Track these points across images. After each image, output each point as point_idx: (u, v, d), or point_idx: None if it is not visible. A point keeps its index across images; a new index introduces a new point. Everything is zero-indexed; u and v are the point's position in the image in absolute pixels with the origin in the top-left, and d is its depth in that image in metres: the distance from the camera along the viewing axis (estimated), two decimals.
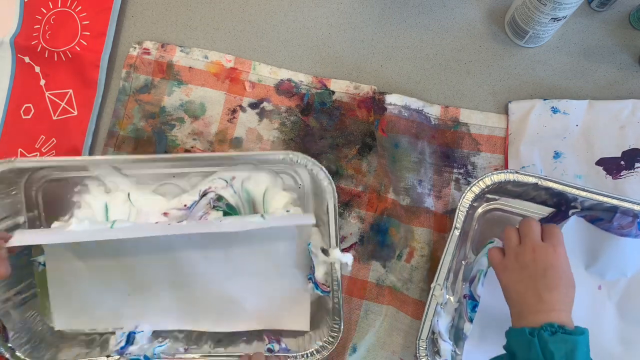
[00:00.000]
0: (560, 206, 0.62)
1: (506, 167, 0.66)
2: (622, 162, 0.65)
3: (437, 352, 0.60)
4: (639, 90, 0.68)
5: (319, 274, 0.61)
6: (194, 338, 0.63)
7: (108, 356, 0.60)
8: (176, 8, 0.70)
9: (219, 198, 0.61)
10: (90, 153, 0.67)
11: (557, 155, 0.66)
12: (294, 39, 0.70)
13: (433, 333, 0.59)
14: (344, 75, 0.69)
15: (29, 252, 0.62)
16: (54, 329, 0.63)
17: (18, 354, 0.59)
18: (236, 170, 0.61)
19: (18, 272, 0.60)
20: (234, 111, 0.68)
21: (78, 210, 0.62)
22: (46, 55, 0.67)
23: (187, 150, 0.67)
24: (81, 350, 0.62)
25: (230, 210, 0.62)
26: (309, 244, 0.61)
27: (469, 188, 0.59)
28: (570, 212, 0.60)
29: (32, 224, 0.63)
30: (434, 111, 0.68)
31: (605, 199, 0.58)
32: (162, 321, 0.63)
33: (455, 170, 0.67)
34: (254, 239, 0.61)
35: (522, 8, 0.63)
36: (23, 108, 0.67)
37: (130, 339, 0.60)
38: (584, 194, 0.58)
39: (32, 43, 0.67)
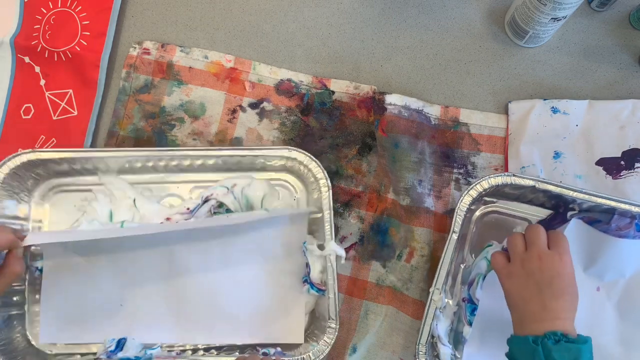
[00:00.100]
0: (558, 208, 0.62)
1: (506, 167, 0.66)
2: (622, 162, 0.65)
3: (437, 356, 0.60)
4: (639, 90, 0.68)
5: (315, 272, 0.61)
6: (188, 346, 0.63)
7: (96, 358, 0.59)
8: (176, 8, 0.70)
9: (220, 205, 0.63)
10: None
11: (557, 155, 0.66)
12: (294, 39, 0.70)
13: (432, 337, 0.59)
14: (344, 75, 0.69)
15: (25, 259, 0.62)
16: (37, 348, 0.61)
17: None
18: (237, 179, 0.64)
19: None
20: (234, 111, 0.68)
21: (84, 216, 0.63)
22: (46, 55, 0.67)
23: None
24: None
25: None
26: (304, 243, 0.62)
27: (466, 192, 0.60)
28: (569, 214, 0.60)
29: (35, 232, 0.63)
30: (434, 111, 0.68)
31: (603, 201, 0.58)
32: (154, 334, 0.62)
33: (455, 170, 0.67)
34: (252, 243, 0.62)
35: (522, 8, 0.63)
36: (23, 108, 0.67)
37: (120, 344, 0.60)
38: (581, 196, 0.58)
39: (32, 43, 0.67)
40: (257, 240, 0.63)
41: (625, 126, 0.66)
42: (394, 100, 0.66)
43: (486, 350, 0.59)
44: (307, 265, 0.61)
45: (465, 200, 0.59)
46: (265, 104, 0.68)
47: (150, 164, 0.63)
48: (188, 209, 0.63)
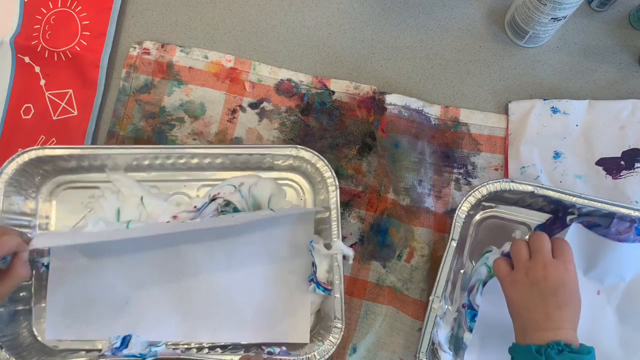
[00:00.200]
0: (558, 212, 0.62)
1: (506, 167, 0.66)
2: (622, 162, 0.65)
3: None
4: (639, 90, 0.68)
5: (321, 271, 0.61)
6: (193, 344, 0.63)
7: (100, 355, 0.59)
8: (176, 8, 0.70)
9: (227, 203, 0.63)
10: None
11: (557, 155, 0.66)
12: (294, 39, 0.70)
13: (433, 344, 0.59)
14: (344, 75, 0.69)
15: (32, 258, 0.62)
16: (43, 344, 0.62)
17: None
18: (244, 177, 0.64)
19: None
20: (234, 111, 0.68)
21: (91, 214, 0.63)
22: (46, 55, 0.67)
23: None
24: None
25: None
26: (311, 241, 0.62)
27: (464, 198, 0.60)
28: (568, 218, 0.60)
29: (42, 229, 0.64)
30: (434, 111, 0.68)
31: (602, 205, 0.58)
32: (159, 332, 0.62)
33: (455, 170, 0.67)
34: (258, 242, 0.63)
35: (522, 8, 0.63)
36: (23, 108, 0.67)
37: (125, 341, 0.60)
38: (580, 200, 0.58)
39: (32, 43, 0.67)
40: (264, 239, 0.63)
41: (625, 126, 0.66)
42: (394, 100, 0.66)
43: (487, 356, 0.59)
44: (314, 264, 0.61)
45: (464, 208, 0.60)
46: (265, 104, 0.68)
47: (157, 161, 0.63)
48: (195, 207, 0.63)
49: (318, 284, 0.61)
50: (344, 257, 0.60)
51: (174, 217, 0.63)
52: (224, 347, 0.62)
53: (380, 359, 0.63)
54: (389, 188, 0.65)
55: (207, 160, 0.63)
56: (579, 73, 0.69)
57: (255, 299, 0.62)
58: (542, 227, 0.62)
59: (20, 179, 0.61)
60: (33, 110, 0.67)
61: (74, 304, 0.61)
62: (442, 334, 0.60)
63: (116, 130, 0.67)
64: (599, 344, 0.59)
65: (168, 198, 0.65)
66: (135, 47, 0.68)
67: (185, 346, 0.62)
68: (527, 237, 0.62)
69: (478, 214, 0.64)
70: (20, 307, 0.61)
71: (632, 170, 0.65)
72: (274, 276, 0.63)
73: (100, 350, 0.61)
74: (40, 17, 0.68)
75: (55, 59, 0.67)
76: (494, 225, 0.64)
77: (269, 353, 0.60)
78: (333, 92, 0.68)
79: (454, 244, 0.59)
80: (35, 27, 0.68)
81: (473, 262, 0.63)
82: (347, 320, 0.63)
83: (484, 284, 0.59)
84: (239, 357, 0.57)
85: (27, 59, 0.68)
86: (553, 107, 0.67)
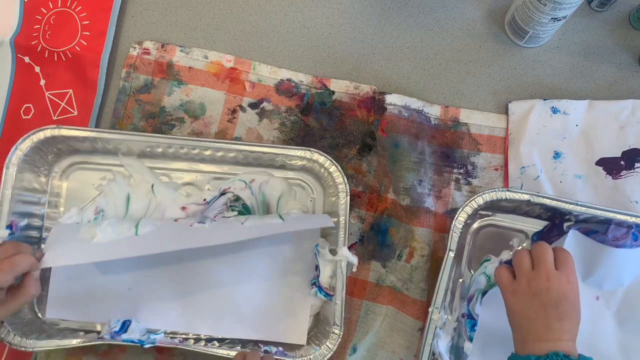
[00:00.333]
0: (555, 220, 0.62)
1: (506, 167, 0.66)
2: (622, 162, 0.65)
3: None
4: (639, 90, 0.68)
5: (324, 276, 0.61)
6: (191, 335, 0.63)
7: (99, 338, 0.59)
8: (176, 8, 0.70)
9: (237, 199, 0.63)
10: None
11: (557, 155, 0.66)
12: (294, 39, 0.70)
13: (433, 354, 0.59)
14: (344, 75, 0.69)
15: (40, 234, 0.63)
16: (43, 321, 0.62)
17: (8, 339, 0.58)
18: (256, 174, 0.64)
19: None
20: (233, 111, 0.68)
21: (100, 198, 0.64)
22: (46, 55, 0.67)
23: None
24: (72, 340, 0.61)
25: (245, 211, 0.63)
26: (316, 245, 0.62)
27: (461, 208, 0.60)
28: (565, 225, 0.60)
29: (51, 207, 0.64)
30: (434, 111, 0.68)
31: (599, 212, 0.58)
32: (158, 321, 0.62)
33: (455, 170, 0.67)
34: (263, 241, 0.62)
35: (522, 8, 0.63)
36: (23, 108, 0.67)
37: (124, 326, 0.60)
38: (577, 208, 0.58)
39: (32, 43, 0.67)
40: (269, 238, 0.62)
41: (625, 126, 0.66)
42: (394, 100, 0.66)
43: None
44: (317, 268, 0.61)
45: (461, 218, 0.60)
46: (265, 104, 0.68)
47: (171, 150, 0.63)
48: (205, 200, 0.64)
49: (320, 289, 0.61)
50: (349, 264, 0.60)
51: (183, 208, 0.63)
52: (221, 341, 0.62)
53: (380, 359, 0.63)
54: (389, 188, 0.65)
55: (219, 154, 0.63)
56: (579, 73, 0.69)
57: (256, 297, 0.62)
58: (539, 234, 0.62)
59: (34, 156, 0.61)
60: (33, 110, 0.67)
61: (76, 285, 0.61)
62: (443, 345, 0.59)
63: (116, 130, 0.67)
64: (599, 350, 0.59)
65: (178, 188, 0.65)
66: (135, 47, 0.68)
67: (183, 336, 0.62)
68: (524, 244, 0.62)
69: (475, 223, 0.64)
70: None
71: (632, 170, 0.65)
72: (276, 275, 0.63)
73: (99, 333, 0.61)
74: (40, 17, 0.68)
75: (55, 59, 0.67)
76: (492, 233, 0.64)
77: (266, 352, 0.60)
78: (333, 92, 0.68)
79: (451, 254, 0.59)
80: (35, 27, 0.68)
81: (472, 271, 0.63)
82: (347, 320, 0.63)
83: (484, 293, 0.59)
84: (235, 352, 0.57)
85: (27, 59, 0.68)
86: (553, 107, 0.67)
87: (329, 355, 0.59)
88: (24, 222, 0.61)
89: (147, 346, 0.57)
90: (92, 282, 0.62)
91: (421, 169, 0.65)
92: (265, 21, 0.70)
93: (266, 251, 0.63)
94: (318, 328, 0.63)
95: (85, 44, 0.67)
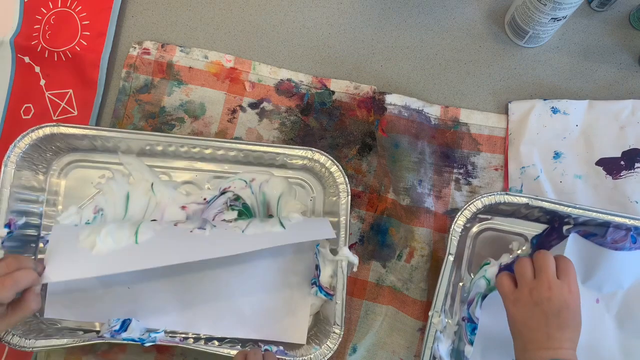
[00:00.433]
0: (554, 223, 0.62)
1: (506, 167, 0.66)
2: (622, 162, 0.65)
3: None
4: (639, 90, 0.68)
5: (325, 276, 0.61)
6: (191, 334, 0.63)
7: (99, 337, 0.59)
8: (176, 8, 0.70)
9: (237, 198, 0.63)
10: None
11: (557, 155, 0.66)
12: (294, 39, 0.70)
13: (434, 358, 0.59)
14: (344, 75, 0.69)
15: (38, 233, 0.63)
16: (41, 321, 0.62)
17: (8, 339, 0.58)
18: (256, 173, 0.64)
19: (20, 252, 0.62)
20: (233, 111, 0.68)
21: (100, 197, 0.64)
22: (46, 55, 0.67)
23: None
24: (72, 339, 0.61)
25: (245, 210, 0.63)
26: (317, 245, 0.62)
27: (460, 212, 0.60)
28: (564, 228, 0.60)
29: (50, 205, 0.64)
30: (434, 111, 0.68)
31: (597, 215, 0.58)
32: (158, 320, 0.62)
33: (455, 170, 0.67)
34: None
35: (522, 8, 0.63)
36: (23, 108, 0.67)
37: (124, 325, 0.60)
38: (575, 211, 0.58)
39: (32, 43, 0.67)
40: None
41: (625, 126, 0.66)
42: (394, 100, 0.66)
43: None
44: (317, 267, 0.61)
45: (460, 222, 0.60)
46: (265, 104, 0.68)
47: (171, 148, 0.63)
48: (205, 199, 0.64)
49: (320, 288, 0.61)
50: (350, 264, 0.60)
51: (183, 207, 0.63)
52: (221, 340, 0.62)
53: (380, 359, 0.63)
54: (389, 188, 0.65)
55: (220, 152, 0.63)
56: (579, 73, 0.69)
57: (256, 296, 0.62)
58: (539, 238, 0.62)
59: (32, 154, 0.61)
60: (33, 110, 0.67)
61: (74, 285, 0.61)
62: (443, 348, 0.60)
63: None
64: (600, 352, 0.59)
65: (178, 187, 0.65)
66: (135, 47, 0.68)
67: (183, 335, 0.62)
68: (524, 247, 0.62)
69: (474, 227, 0.64)
70: None
71: (632, 170, 0.65)
72: (276, 275, 0.63)
73: (98, 332, 0.61)
74: (40, 17, 0.68)
75: (55, 59, 0.67)
76: (491, 237, 0.64)
77: (266, 351, 0.60)
78: (333, 92, 0.68)
79: (451, 258, 0.59)
80: (35, 27, 0.68)
81: (471, 274, 0.63)
82: (347, 320, 0.63)
83: (484, 296, 0.59)
84: (235, 351, 0.57)
85: (27, 59, 0.68)
86: (553, 107, 0.67)
87: (330, 354, 0.59)
88: (22, 220, 0.61)
89: (147, 344, 0.57)
90: (91, 282, 0.61)
91: (421, 169, 0.65)
92: (265, 21, 0.70)
93: (266, 251, 0.63)
94: (318, 327, 0.63)
95: (85, 44, 0.67)
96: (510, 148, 0.66)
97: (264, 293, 0.63)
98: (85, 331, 0.62)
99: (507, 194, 0.59)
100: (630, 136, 0.65)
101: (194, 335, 0.62)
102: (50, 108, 0.67)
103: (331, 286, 0.61)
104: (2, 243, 0.59)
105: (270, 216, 0.64)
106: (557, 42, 0.69)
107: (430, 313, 0.59)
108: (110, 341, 0.58)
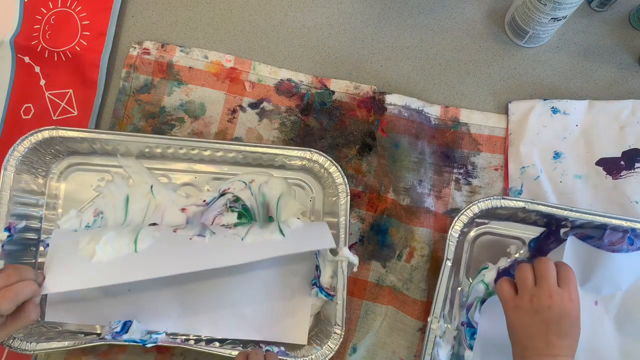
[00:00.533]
0: (551, 226, 0.62)
1: (506, 167, 0.66)
2: (622, 162, 0.65)
3: None
4: (639, 90, 0.68)
5: (325, 277, 0.61)
6: (192, 336, 0.63)
7: (100, 339, 0.59)
8: (176, 8, 0.70)
9: (236, 199, 0.64)
10: None
11: (557, 155, 0.66)
12: (294, 39, 0.70)
13: None
14: (344, 75, 0.69)
15: (38, 236, 0.63)
16: (43, 324, 0.62)
17: (8, 342, 0.58)
18: (255, 174, 0.64)
19: (19, 255, 0.62)
20: (233, 111, 0.68)
21: (99, 200, 0.64)
22: (46, 55, 0.67)
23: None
24: (73, 342, 0.60)
25: (245, 212, 0.63)
26: None
27: (457, 217, 0.60)
28: (562, 231, 0.60)
29: (49, 209, 0.64)
30: (434, 111, 0.68)
31: (594, 217, 0.58)
32: (159, 322, 0.62)
33: (455, 170, 0.67)
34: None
35: (522, 8, 0.63)
36: (23, 108, 0.67)
37: (125, 327, 0.60)
38: (572, 214, 0.58)
39: (32, 43, 0.67)
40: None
41: (625, 126, 0.66)
42: (394, 100, 0.66)
43: None
44: (318, 268, 0.61)
45: (457, 227, 0.60)
46: (265, 104, 0.68)
47: (170, 150, 0.63)
48: (204, 201, 0.64)
49: (321, 289, 0.61)
50: (350, 264, 0.60)
51: (183, 209, 0.63)
52: (222, 342, 0.62)
53: (380, 359, 0.63)
54: (389, 188, 0.65)
55: (219, 154, 0.63)
56: (579, 73, 0.69)
57: (256, 297, 0.62)
58: (536, 241, 0.62)
59: (32, 157, 0.61)
60: (33, 110, 0.67)
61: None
62: (443, 354, 0.60)
63: (116, 130, 0.67)
64: (600, 354, 0.59)
65: (177, 189, 0.65)
66: (135, 47, 0.68)
67: (184, 337, 0.62)
68: (522, 251, 0.62)
69: (472, 231, 0.64)
70: None
71: (632, 170, 0.65)
72: (276, 275, 0.63)
73: (99, 334, 0.61)
74: (40, 17, 0.68)
75: (55, 59, 0.67)
76: (489, 241, 0.64)
77: (267, 352, 0.60)
78: (333, 92, 0.68)
79: (449, 263, 0.59)
80: (35, 27, 0.68)
81: (470, 279, 0.63)
82: (347, 320, 0.63)
83: (482, 301, 0.59)
84: (237, 352, 0.57)
85: (27, 59, 0.68)
86: (553, 107, 0.67)
87: (331, 355, 0.59)
88: (22, 224, 0.61)
89: (149, 345, 0.57)
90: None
91: (421, 169, 0.65)
92: (265, 21, 0.70)
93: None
94: (319, 328, 0.63)
95: (85, 44, 0.67)
96: (510, 148, 0.66)
97: (265, 294, 0.63)
98: (86, 334, 0.62)
99: (503, 198, 0.59)
100: (630, 136, 0.65)
101: (194, 337, 0.62)
102: (50, 108, 0.67)
103: (332, 286, 0.61)
104: (2, 247, 0.58)
105: (270, 217, 0.64)
106: (557, 42, 0.69)
107: (429, 319, 0.59)
108: (112, 342, 0.58)
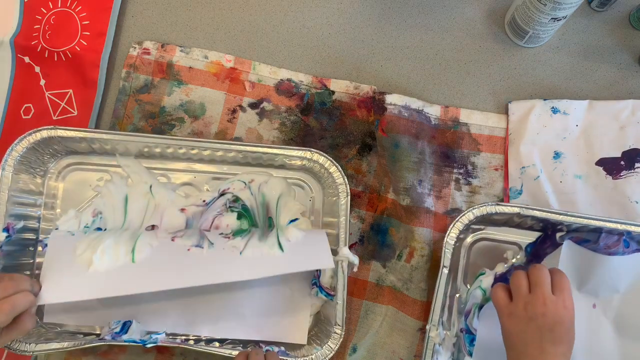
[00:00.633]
0: (547, 230, 0.62)
1: (506, 167, 0.66)
2: (622, 162, 0.65)
3: None
4: (639, 90, 0.68)
5: (325, 276, 0.61)
6: (191, 336, 0.63)
7: (100, 339, 0.59)
8: (176, 8, 0.70)
9: (236, 199, 0.63)
10: None
11: (557, 155, 0.66)
12: (294, 39, 0.70)
13: None
14: (344, 75, 0.69)
15: (37, 236, 0.63)
16: (42, 325, 0.62)
17: (8, 344, 0.57)
18: (255, 174, 0.64)
19: (18, 256, 0.62)
20: (233, 111, 0.68)
21: (98, 199, 0.63)
22: (46, 55, 0.67)
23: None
24: (72, 342, 0.60)
25: (245, 212, 0.63)
26: None
27: (452, 224, 0.60)
28: (557, 235, 0.60)
29: (47, 208, 0.64)
30: (434, 111, 0.68)
31: (589, 221, 0.58)
32: (158, 323, 0.62)
33: (455, 170, 0.67)
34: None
35: (522, 8, 0.63)
36: (23, 108, 0.67)
37: (125, 327, 0.60)
38: (567, 218, 0.58)
39: (32, 43, 0.67)
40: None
41: (625, 126, 0.66)
42: (394, 100, 0.66)
43: None
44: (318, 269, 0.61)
45: (453, 234, 0.60)
46: (265, 104, 0.68)
47: (169, 150, 0.63)
48: (204, 201, 0.64)
49: (321, 289, 0.61)
50: (350, 264, 0.60)
51: (182, 210, 0.63)
52: (222, 342, 0.62)
53: (380, 359, 0.63)
54: (389, 188, 0.65)
55: (219, 154, 0.63)
56: (579, 73, 0.69)
57: (256, 297, 0.62)
58: (533, 246, 0.62)
59: (30, 157, 0.61)
60: (33, 110, 0.67)
61: None
62: None
63: (116, 130, 0.67)
64: (599, 357, 0.59)
65: (177, 188, 0.65)
66: (135, 47, 0.68)
67: (184, 337, 0.62)
68: (518, 256, 0.62)
69: (468, 237, 0.64)
70: None
71: (632, 170, 0.65)
72: (276, 275, 0.62)
73: (98, 335, 0.61)
74: (40, 17, 0.68)
75: (55, 59, 0.67)
76: (485, 247, 0.64)
77: (267, 351, 0.60)
78: (333, 92, 0.68)
79: (445, 270, 0.59)
80: (35, 27, 0.68)
81: (467, 285, 0.63)
82: (347, 321, 0.63)
83: (480, 307, 0.59)
84: (237, 352, 0.57)
85: (27, 59, 0.68)
86: (553, 107, 0.67)
87: (331, 355, 0.59)
88: (20, 224, 0.61)
89: (149, 346, 0.57)
90: None
91: (421, 169, 0.65)
92: (265, 21, 0.70)
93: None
94: (319, 327, 0.63)
95: (85, 44, 0.67)
96: (510, 148, 0.66)
97: (265, 294, 0.63)
98: (85, 334, 0.62)
99: (498, 204, 0.60)
100: (630, 136, 0.65)
101: (194, 337, 0.62)
102: (50, 108, 0.67)
103: (332, 286, 0.61)
104: (1, 247, 0.58)
105: (270, 218, 0.64)
106: (557, 42, 0.69)
107: (427, 327, 0.59)
108: (112, 343, 0.58)
